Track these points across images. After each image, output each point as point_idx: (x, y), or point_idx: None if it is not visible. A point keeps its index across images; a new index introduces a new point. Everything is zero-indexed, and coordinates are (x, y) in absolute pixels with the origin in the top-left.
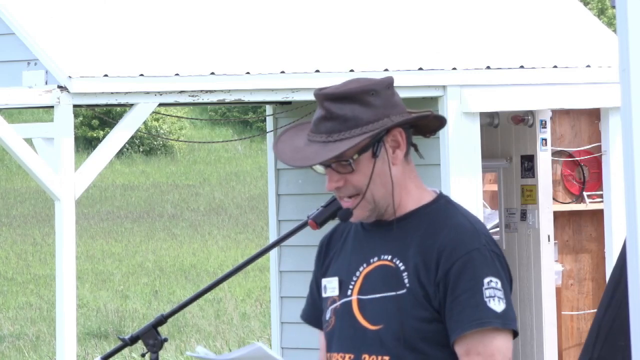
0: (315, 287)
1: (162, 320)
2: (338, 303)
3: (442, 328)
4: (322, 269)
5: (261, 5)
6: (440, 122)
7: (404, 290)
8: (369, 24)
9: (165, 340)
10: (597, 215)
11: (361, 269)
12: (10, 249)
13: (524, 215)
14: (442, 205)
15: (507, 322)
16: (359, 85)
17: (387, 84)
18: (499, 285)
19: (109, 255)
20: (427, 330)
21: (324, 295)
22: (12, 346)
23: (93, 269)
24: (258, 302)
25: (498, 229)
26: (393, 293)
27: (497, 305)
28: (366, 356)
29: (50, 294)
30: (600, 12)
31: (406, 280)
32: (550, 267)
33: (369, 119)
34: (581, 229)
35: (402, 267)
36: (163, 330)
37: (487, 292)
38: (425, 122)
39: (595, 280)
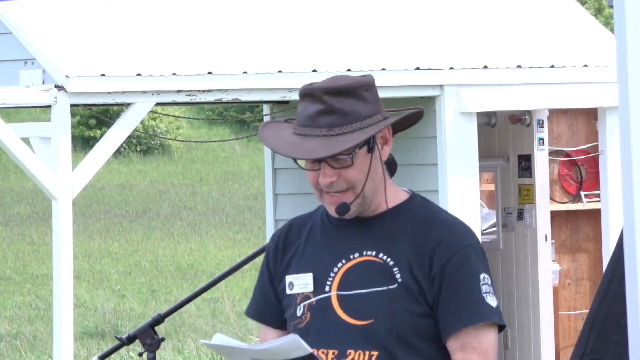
0: (270, 283)
1: (159, 320)
2: (314, 299)
3: (433, 324)
4: (281, 265)
5: (258, 5)
6: (418, 119)
7: (395, 285)
8: (366, 24)
9: (163, 340)
10: (595, 215)
11: (340, 265)
12: (7, 248)
13: (521, 215)
14: (421, 202)
15: (502, 318)
16: (354, 80)
17: (374, 81)
18: (490, 282)
19: (106, 254)
20: (419, 325)
21: (289, 292)
22: (10, 346)
23: (90, 268)
24: None
25: (495, 228)
26: (384, 288)
27: (493, 301)
28: (352, 352)
29: (47, 293)
30: (598, 12)
31: (398, 275)
32: (547, 267)
33: (366, 113)
34: (579, 228)
35: (392, 263)
36: (160, 330)
37: (484, 288)
38: (409, 122)
39: (592, 280)
